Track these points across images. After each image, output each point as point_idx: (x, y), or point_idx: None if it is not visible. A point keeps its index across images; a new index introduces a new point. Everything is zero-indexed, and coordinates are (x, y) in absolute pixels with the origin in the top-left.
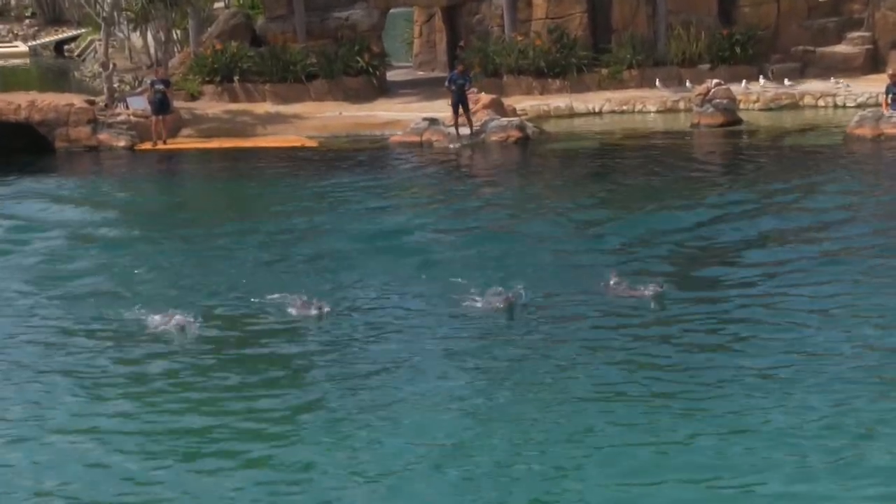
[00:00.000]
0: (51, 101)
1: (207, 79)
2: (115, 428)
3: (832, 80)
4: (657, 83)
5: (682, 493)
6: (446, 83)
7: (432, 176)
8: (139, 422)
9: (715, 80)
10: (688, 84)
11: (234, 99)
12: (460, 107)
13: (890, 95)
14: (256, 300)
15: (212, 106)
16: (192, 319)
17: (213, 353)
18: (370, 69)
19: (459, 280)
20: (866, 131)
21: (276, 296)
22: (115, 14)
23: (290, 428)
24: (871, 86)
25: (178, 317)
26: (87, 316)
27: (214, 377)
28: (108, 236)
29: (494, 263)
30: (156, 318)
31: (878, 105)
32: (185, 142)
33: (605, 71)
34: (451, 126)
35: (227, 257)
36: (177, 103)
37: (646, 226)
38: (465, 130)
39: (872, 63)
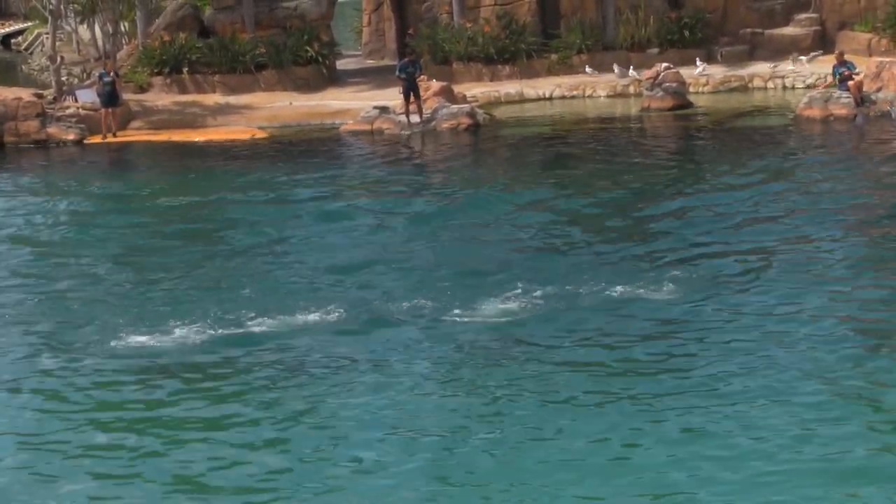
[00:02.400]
0: None
1: (156, 70)
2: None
3: (793, 56)
4: (615, 68)
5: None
6: (396, 72)
7: (384, 164)
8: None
9: (664, 64)
10: (630, 71)
11: (184, 90)
12: (411, 94)
13: (837, 76)
14: (201, 304)
15: (161, 98)
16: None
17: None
18: (319, 58)
19: (412, 270)
20: (816, 112)
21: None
22: (62, 6)
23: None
24: (819, 67)
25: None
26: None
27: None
28: (51, 238)
29: (445, 251)
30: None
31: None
32: (135, 134)
33: (554, 56)
34: (402, 114)
35: (171, 256)
36: (126, 95)
37: (596, 210)
38: (415, 118)
39: (820, 44)
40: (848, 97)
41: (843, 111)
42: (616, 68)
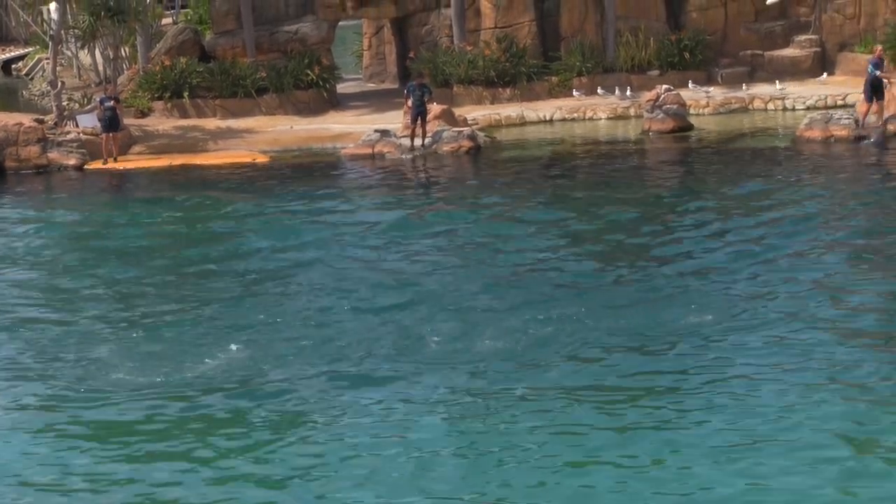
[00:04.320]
0: None
1: (157, 95)
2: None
3: (777, 84)
4: (598, 90)
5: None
6: (406, 91)
7: (385, 188)
8: None
9: (665, 86)
10: (628, 92)
11: (184, 115)
12: (419, 118)
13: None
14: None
15: (162, 122)
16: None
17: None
18: (320, 82)
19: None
20: (816, 133)
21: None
22: (63, 32)
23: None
24: (820, 89)
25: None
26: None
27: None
28: (55, 265)
29: (449, 272)
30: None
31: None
32: (137, 159)
33: (555, 79)
34: (404, 137)
35: (170, 285)
36: (127, 120)
37: (596, 232)
38: (417, 142)
39: (820, 66)
40: (849, 118)
41: (843, 132)
42: (600, 90)
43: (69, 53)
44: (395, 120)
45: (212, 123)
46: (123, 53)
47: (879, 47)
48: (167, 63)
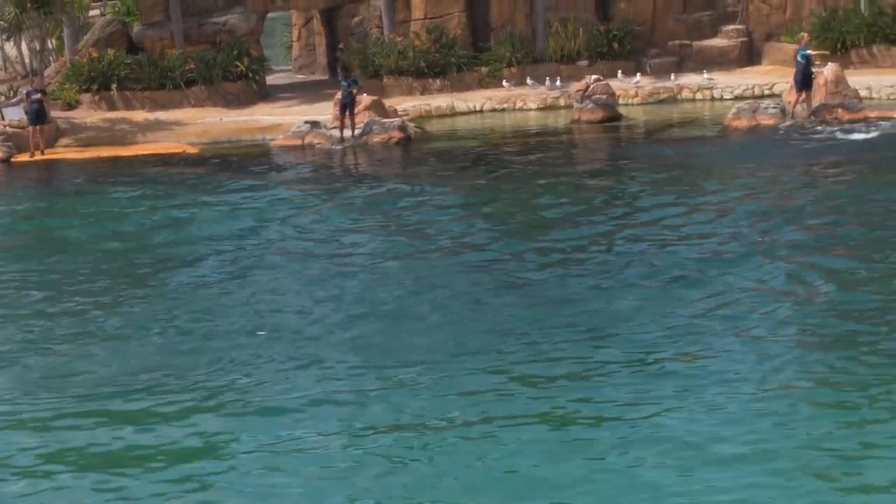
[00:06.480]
0: None
1: (84, 87)
2: None
3: (704, 74)
4: (528, 81)
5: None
6: (344, 83)
7: (315, 180)
8: None
9: (594, 76)
10: (557, 83)
11: (112, 107)
12: (346, 109)
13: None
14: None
15: (90, 114)
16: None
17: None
18: (250, 74)
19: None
20: (743, 123)
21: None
22: None
23: None
24: (748, 78)
25: None
26: None
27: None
28: None
29: (376, 264)
30: None
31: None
32: (64, 151)
33: (485, 69)
34: (334, 128)
35: (94, 278)
36: (54, 113)
37: (525, 222)
38: (347, 133)
39: (748, 56)
40: (776, 108)
41: (770, 121)
42: (529, 81)
43: None
44: (325, 111)
45: (140, 115)
46: (50, 45)
47: (805, 35)
48: (95, 55)
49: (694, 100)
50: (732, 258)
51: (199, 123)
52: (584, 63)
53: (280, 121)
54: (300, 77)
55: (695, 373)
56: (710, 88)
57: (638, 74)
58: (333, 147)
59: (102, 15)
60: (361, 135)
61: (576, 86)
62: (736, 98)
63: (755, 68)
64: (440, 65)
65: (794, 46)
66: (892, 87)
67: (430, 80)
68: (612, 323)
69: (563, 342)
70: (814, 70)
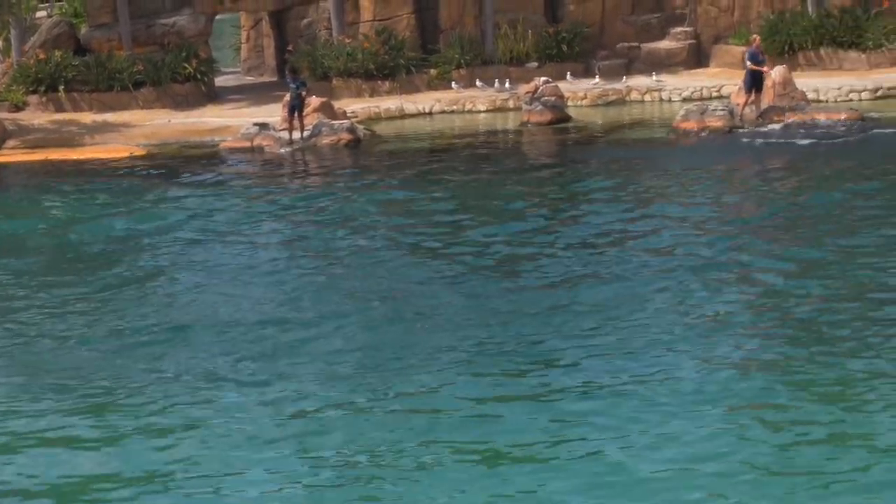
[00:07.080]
0: None
1: (31, 89)
2: None
3: (653, 76)
4: (477, 83)
5: None
6: (294, 86)
7: (263, 182)
8: None
9: (543, 78)
10: (506, 84)
11: (60, 109)
12: (295, 111)
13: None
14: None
15: (37, 116)
16: None
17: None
18: (198, 75)
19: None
20: (692, 124)
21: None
22: None
23: None
24: (696, 80)
25: None
26: None
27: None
28: None
29: (322, 266)
30: None
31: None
32: (11, 154)
33: (434, 71)
34: (283, 130)
35: (39, 282)
36: (1, 114)
37: (473, 224)
38: (296, 135)
39: (696, 58)
40: (724, 110)
41: (719, 123)
42: (478, 82)
43: None
44: (274, 113)
45: (88, 117)
46: None
47: (757, 37)
48: (42, 56)
49: (643, 102)
50: (680, 264)
51: (147, 125)
52: (533, 65)
53: (229, 123)
54: (249, 79)
55: (633, 388)
56: (659, 90)
57: (597, 76)
58: (282, 149)
59: (49, 16)
60: (310, 137)
61: (525, 88)
62: (684, 100)
63: (703, 70)
64: (389, 67)
65: (742, 49)
66: (839, 89)
67: (380, 82)
68: (552, 330)
69: (494, 353)
70: (763, 59)
